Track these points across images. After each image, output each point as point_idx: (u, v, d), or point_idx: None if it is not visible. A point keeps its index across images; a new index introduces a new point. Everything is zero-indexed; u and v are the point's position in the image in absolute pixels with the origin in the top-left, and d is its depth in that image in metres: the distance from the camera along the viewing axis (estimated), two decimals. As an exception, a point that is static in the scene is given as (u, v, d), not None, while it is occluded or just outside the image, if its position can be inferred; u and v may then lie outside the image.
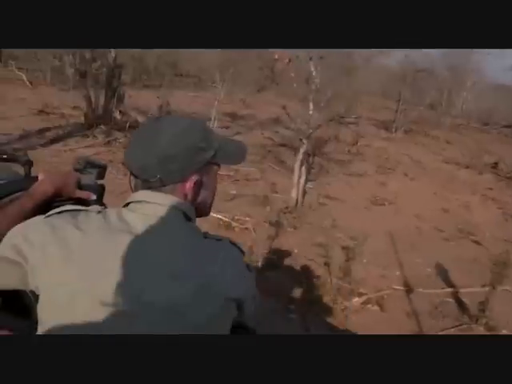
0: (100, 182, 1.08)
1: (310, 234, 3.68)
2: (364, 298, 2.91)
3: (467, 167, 8.18)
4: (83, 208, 0.70)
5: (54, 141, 5.04)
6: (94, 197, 0.96)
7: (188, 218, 0.70)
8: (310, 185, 5.09)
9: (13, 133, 5.27)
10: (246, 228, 3.52)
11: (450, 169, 7.93)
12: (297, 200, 4.10)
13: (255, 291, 0.78)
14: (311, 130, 4.15)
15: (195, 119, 0.76)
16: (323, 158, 6.71)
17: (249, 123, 9.01)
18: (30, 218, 0.72)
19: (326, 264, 3.20)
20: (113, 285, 0.62)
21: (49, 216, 0.68)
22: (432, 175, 7.07)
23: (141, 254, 0.64)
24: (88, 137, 5.28)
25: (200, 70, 14.24)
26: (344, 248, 3.43)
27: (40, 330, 0.64)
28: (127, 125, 5.59)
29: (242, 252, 0.76)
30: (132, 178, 0.71)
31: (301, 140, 4.12)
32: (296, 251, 3.34)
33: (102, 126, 5.50)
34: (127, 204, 0.70)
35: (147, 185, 0.69)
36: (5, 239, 0.68)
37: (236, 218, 3.66)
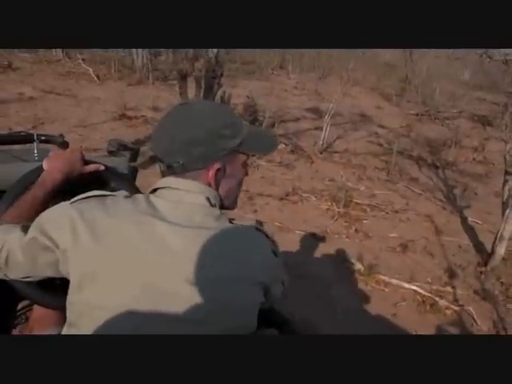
0: (133, 164, 1.07)
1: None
2: None
3: None
4: (109, 193, 0.70)
5: (153, 159, 4.16)
6: (102, 167, 0.94)
7: (212, 204, 0.70)
8: (467, 215, 4.00)
9: (102, 147, 4.47)
10: (460, 307, 2.50)
11: None
12: (492, 251, 3.02)
13: (285, 276, 0.79)
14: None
15: (222, 104, 0.78)
16: (452, 170, 5.56)
17: (338, 121, 7.88)
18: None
19: None
20: (144, 267, 0.62)
21: (74, 201, 0.69)
22: None
23: (168, 240, 0.64)
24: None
25: (252, 54, 13.19)
26: None
27: (69, 310, 0.65)
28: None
29: (268, 237, 0.75)
30: (160, 163, 0.72)
31: (507, 173, 2.98)
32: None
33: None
34: (154, 190, 0.72)
35: (171, 170, 0.70)
36: (33, 225, 0.68)
37: (434, 288, 2.65)
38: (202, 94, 4.60)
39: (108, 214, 0.65)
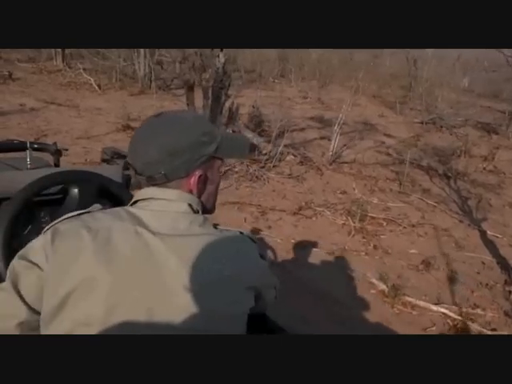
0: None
1: None
2: None
3: None
4: (83, 211, 0.70)
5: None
6: None
7: (195, 211, 0.71)
8: (485, 228, 3.87)
9: (107, 160, 4.34)
10: (494, 331, 2.36)
11: None
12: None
13: (275, 280, 0.80)
14: None
15: (196, 113, 0.78)
16: (464, 180, 5.44)
17: (343, 130, 7.77)
18: None
19: None
20: (131, 278, 0.61)
21: (48, 228, 0.67)
22: None
23: (154, 249, 0.63)
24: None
25: (252, 64, 13.15)
26: None
27: (54, 326, 0.62)
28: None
29: (254, 241, 0.75)
30: (136, 176, 0.71)
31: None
32: None
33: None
34: (134, 202, 0.71)
35: (152, 182, 0.70)
36: (12, 265, 0.66)
37: (463, 310, 2.51)
38: (209, 105, 4.49)
39: (88, 228, 0.64)
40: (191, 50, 4.39)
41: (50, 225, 0.68)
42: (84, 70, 8.42)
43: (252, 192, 3.95)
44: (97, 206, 0.73)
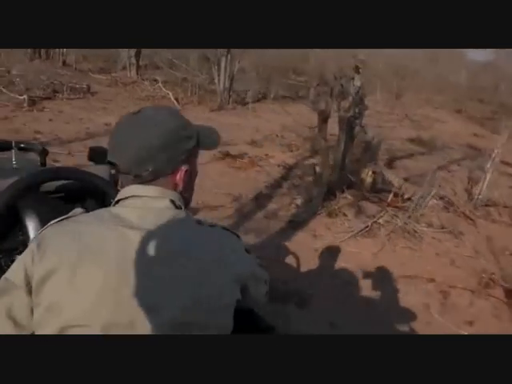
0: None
1: None
2: None
3: None
4: (65, 216, 0.69)
5: (294, 225, 3.24)
6: None
7: (177, 206, 0.70)
8: None
9: (222, 203, 3.61)
10: None
11: None
12: None
13: (265, 274, 0.80)
14: None
15: (173, 109, 0.77)
16: None
17: (452, 156, 6.75)
18: None
19: None
20: (116, 276, 0.61)
21: (34, 238, 0.71)
22: None
23: (138, 245, 0.63)
24: (336, 215, 3.43)
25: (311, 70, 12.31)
26: None
27: (41, 328, 0.63)
28: (390, 196, 3.63)
29: (238, 236, 0.76)
30: (120, 175, 0.71)
31: None
32: None
33: (348, 195, 3.61)
34: (117, 202, 0.70)
35: (139, 180, 0.69)
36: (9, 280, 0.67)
37: None
38: (343, 138, 3.68)
39: (69, 232, 0.64)
40: (330, 74, 3.61)
41: (36, 234, 0.70)
42: (161, 82, 7.91)
43: (412, 256, 3.09)
44: (78, 210, 0.71)
